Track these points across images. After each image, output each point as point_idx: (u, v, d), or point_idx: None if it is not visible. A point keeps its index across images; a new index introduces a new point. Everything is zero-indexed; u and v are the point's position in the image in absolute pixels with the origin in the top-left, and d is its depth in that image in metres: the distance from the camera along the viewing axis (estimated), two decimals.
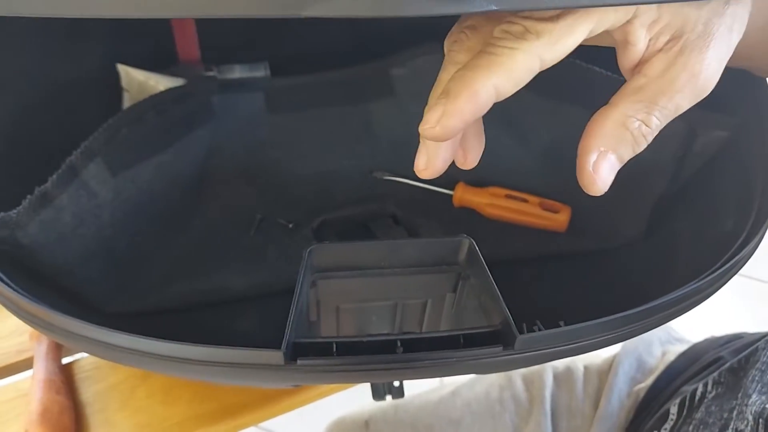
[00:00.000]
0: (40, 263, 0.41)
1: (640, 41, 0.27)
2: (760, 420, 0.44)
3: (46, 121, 0.48)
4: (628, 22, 0.27)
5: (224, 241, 0.51)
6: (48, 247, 0.41)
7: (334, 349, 0.33)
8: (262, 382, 0.35)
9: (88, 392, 0.48)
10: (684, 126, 0.47)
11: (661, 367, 0.64)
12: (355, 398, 0.75)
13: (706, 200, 0.47)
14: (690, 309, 0.38)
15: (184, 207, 0.50)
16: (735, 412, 0.47)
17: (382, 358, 0.31)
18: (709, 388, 0.51)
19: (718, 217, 0.44)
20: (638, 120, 0.27)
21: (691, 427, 0.49)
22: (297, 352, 0.33)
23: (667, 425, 0.52)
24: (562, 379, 0.67)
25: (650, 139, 0.28)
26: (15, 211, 0.39)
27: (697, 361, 0.62)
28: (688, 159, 0.48)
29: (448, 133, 0.26)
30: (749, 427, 0.44)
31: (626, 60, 0.28)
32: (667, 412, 0.53)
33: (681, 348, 0.66)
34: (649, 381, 0.63)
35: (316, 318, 0.42)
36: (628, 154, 0.28)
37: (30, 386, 0.46)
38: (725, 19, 0.27)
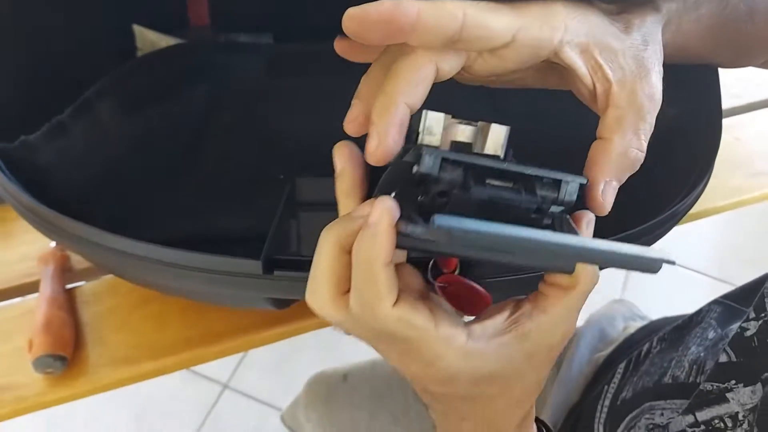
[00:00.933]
0: (54, 187, 0.46)
1: (578, 63, 0.30)
2: (695, 366, 0.49)
3: (67, 69, 0.53)
4: (559, 43, 0.29)
5: (221, 187, 0.56)
6: (62, 172, 0.46)
7: (309, 266, 0.37)
8: (242, 290, 0.39)
9: (86, 314, 0.52)
10: None
11: (621, 339, 0.68)
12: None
13: (662, 167, 0.52)
14: None
15: (186, 152, 0.55)
16: (674, 362, 0.51)
17: None
18: (654, 344, 0.56)
19: (670, 181, 0.49)
20: (635, 149, 0.31)
21: (636, 378, 0.54)
22: (274, 265, 0.38)
23: (616, 379, 0.57)
24: None
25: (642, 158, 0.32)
26: (34, 135, 0.44)
27: (653, 333, 0.66)
28: None
29: (389, 150, 0.28)
30: (684, 373, 0.49)
31: (583, 89, 0.31)
32: (617, 369, 0.58)
33: (641, 324, 0.71)
34: (609, 350, 0.67)
35: (296, 249, 0.47)
36: (626, 177, 0.32)
37: (36, 303, 0.51)
38: (650, 46, 0.31)
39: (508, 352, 0.30)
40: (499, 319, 0.30)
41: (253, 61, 0.58)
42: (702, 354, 0.50)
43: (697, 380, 0.48)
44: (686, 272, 1.51)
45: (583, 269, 0.29)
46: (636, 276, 1.50)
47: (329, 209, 0.45)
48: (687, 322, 0.55)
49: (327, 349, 1.28)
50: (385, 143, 0.28)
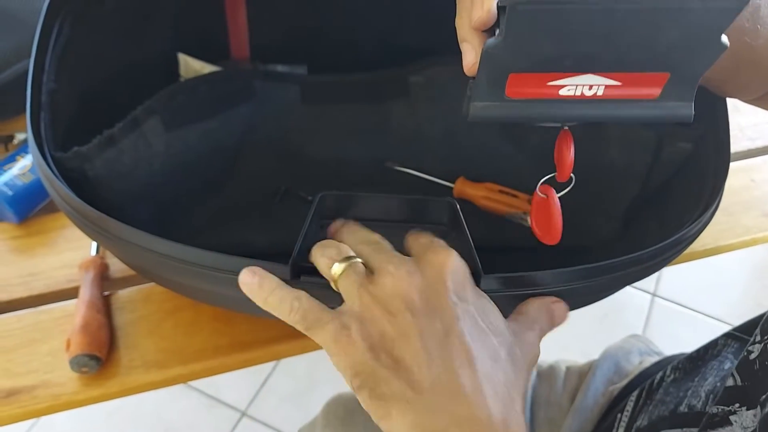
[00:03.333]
0: (100, 196, 0.50)
1: None
2: (711, 396, 0.50)
3: (116, 89, 0.57)
4: None
5: (252, 205, 0.59)
6: (107, 183, 0.50)
7: None
8: None
9: (121, 319, 0.55)
10: (654, 137, 0.54)
11: (636, 372, 0.69)
12: None
13: (671, 201, 0.54)
14: (639, 276, 0.44)
15: (221, 171, 0.59)
16: (690, 392, 0.52)
17: None
18: (668, 372, 0.57)
19: (680, 214, 0.51)
20: None
21: (651, 407, 0.55)
22: (301, 271, 0.40)
23: (629, 407, 0.58)
24: (545, 375, 0.72)
25: None
26: (86, 147, 0.48)
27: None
28: (657, 166, 0.55)
29: (492, 13, 0.29)
30: (701, 402, 0.50)
31: None
32: (629, 398, 0.59)
33: (658, 359, 0.72)
34: (624, 382, 0.68)
35: None
36: None
37: (75, 307, 0.54)
38: None
39: None
40: None
41: (288, 88, 0.62)
42: (718, 384, 0.51)
43: (714, 411, 0.49)
44: (706, 319, 1.51)
45: None
46: (655, 320, 1.49)
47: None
48: (701, 352, 0.57)
49: (345, 386, 1.29)
50: None
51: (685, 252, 0.47)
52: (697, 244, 0.52)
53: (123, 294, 0.57)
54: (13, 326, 0.55)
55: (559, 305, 0.40)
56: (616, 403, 0.66)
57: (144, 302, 0.57)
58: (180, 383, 0.54)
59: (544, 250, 0.60)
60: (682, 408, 0.51)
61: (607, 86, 0.30)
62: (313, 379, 1.35)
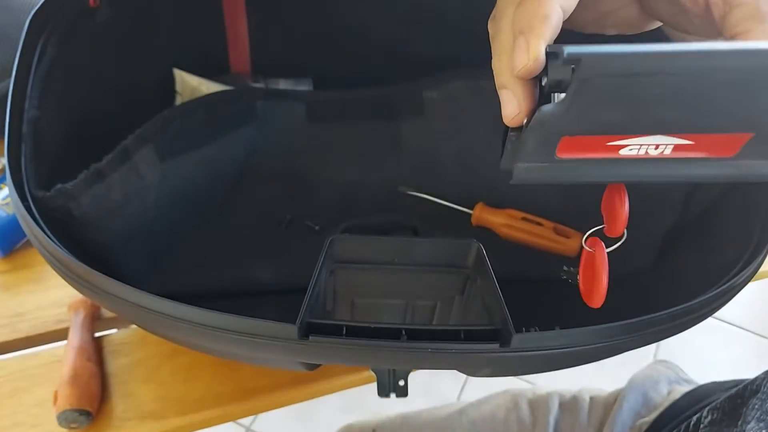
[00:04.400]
0: (87, 236, 0.45)
1: None
2: None
3: (107, 112, 0.52)
4: None
5: (255, 235, 0.55)
6: (96, 222, 0.45)
7: (344, 331, 0.36)
8: (276, 355, 0.38)
9: (114, 364, 0.51)
10: None
11: (666, 404, 0.65)
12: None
13: (711, 233, 0.49)
14: (684, 328, 0.40)
15: (221, 200, 0.54)
16: None
17: (387, 343, 0.34)
18: (705, 413, 0.52)
19: (721, 249, 0.46)
20: None
21: None
22: (310, 330, 0.36)
23: None
24: (568, 407, 0.68)
25: None
26: (71, 183, 0.43)
27: (702, 401, 0.63)
28: (696, 195, 0.50)
29: (540, 62, 0.26)
30: None
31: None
32: None
33: (688, 388, 0.67)
34: (653, 416, 0.64)
35: (332, 308, 0.45)
36: None
37: (64, 352, 0.50)
38: None
39: None
40: None
41: (292, 107, 0.58)
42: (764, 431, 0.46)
43: None
44: (725, 326, 1.46)
45: None
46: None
47: (366, 268, 0.44)
48: (742, 391, 0.52)
49: (347, 398, 1.25)
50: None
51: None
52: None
53: (116, 336, 0.53)
54: None
55: None
56: None
57: (139, 345, 0.52)
58: None
59: (570, 283, 0.56)
60: None
61: (676, 146, 0.25)
62: None
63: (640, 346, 0.43)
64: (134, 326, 0.53)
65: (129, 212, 0.47)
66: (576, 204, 0.55)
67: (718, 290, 0.40)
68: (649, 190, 0.53)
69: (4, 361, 0.51)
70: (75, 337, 0.50)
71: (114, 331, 0.54)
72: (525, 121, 0.27)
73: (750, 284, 0.44)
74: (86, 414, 0.46)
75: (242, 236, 0.55)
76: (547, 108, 0.25)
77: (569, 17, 0.29)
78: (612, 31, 0.36)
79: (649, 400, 0.67)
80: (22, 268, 0.56)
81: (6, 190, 0.57)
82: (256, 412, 0.50)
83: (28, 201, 0.41)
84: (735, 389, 0.54)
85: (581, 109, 0.24)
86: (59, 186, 0.43)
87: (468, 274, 0.42)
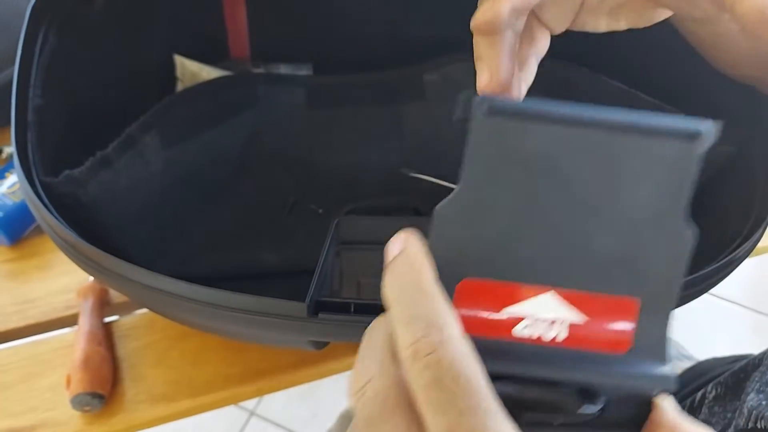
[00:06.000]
0: (95, 222, 0.46)
1: None
2: (753, 413, 0.46)
3: (110, 99, 0.53)
4: None
5: (259, 219, 0.55)
6: (103, 207, 0.46)
7: (352, 309, 0.36)
8: (286, 333, 0.38)
9: (124, 349, 0.52)
10: None
11: None
12: None
13: (715, 206, 0.50)
14: (684, 302, 0.41)
15: (225, 184, 0.55)
16: (737, 412, 0.49)
17: None
18: (710, 389, 0.53)
19: (725, 221, 0.47)
20: None
21: None
22: (319, 308, 0.37)
23: None
24: None
25: None
26: (78, 170, 0.44)
27: (703, 375, 0.64)
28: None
29: (500, 18, 0.26)
30: (744, 420, 0.47)
31: None
32: None
33: (689, 364, 0.68)
34: None
35: (338, 288, 0.46)
36: None
37: (74, 338, 0.50)
38: None
39: None
40: None
41: (293, 92, 0.58)
42: (764, 402, 0.47)
43: (757, 425, 0.45)
44: (722, 303, 1.47)
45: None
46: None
47: (371, 248, 0.44)
48: (745, 366, 0.53)
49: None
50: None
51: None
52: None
53: (125, 321, 0.53)
54: (10, 360, 0.51)
55: None
56: None
57: (148, 329, 0.53)
58: (189, 416, 0.50)
59: None
60: (730, 431, 0.48)
61: (570, 325, 0.22)
62: None
63: None
64: (142, 311, 0.54)
65: (135, 197, 0.48)
66: None
67: (719, 264, 0.40)
68: None
69: (16, 347, 0.52)
70: (85, 323, 0.51)
71: (123, 315, 0.54)
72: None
73: (748, 260, 0.45)
74: (99, 397, 0.47)
75: (247, 220, 0.55)
76: (445, 200, 0.22)
77: (579, 18, 0.29)
78: (623, 26, 0.36)
79: None
80: (30, 256, 0.57)
81: (11, 179, 0.57)
82: (263, 393, 0.51)
83: (36, 186, 0.42)
84: (738, 365, 0.55)
85: (477, 198, 0.22)
86: (67, 172, 0.44)
87: None
